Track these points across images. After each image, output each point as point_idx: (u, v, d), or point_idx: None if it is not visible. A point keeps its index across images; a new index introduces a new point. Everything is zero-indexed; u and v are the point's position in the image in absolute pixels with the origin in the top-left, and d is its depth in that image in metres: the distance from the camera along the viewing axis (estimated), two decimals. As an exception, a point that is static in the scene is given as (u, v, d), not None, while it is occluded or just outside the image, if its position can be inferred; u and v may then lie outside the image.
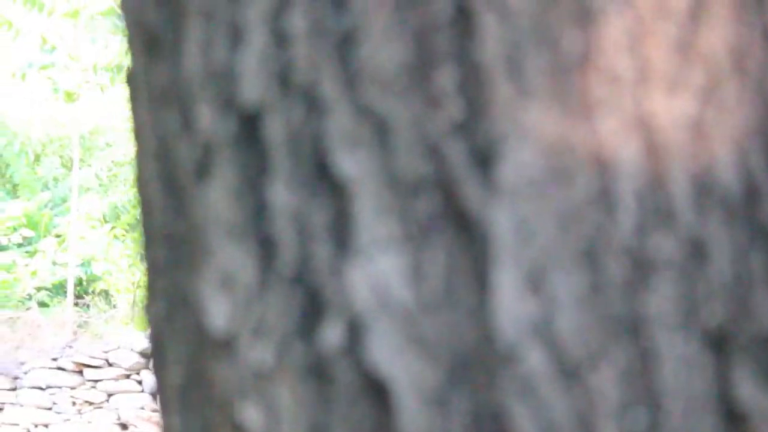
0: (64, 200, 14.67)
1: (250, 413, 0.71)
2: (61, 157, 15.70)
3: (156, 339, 0.81)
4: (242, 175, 0.72)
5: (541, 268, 0.65)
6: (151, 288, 0.81)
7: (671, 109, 0.66)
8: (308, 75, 0.70)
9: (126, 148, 15.57)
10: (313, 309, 0.69)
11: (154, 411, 11.04)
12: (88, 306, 13.38)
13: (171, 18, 0.76)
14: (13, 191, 14.77)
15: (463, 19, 0.67)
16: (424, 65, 0.68)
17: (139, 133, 0.81)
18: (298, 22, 0.70)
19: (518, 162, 0.66)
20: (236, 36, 0.72)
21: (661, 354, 0.65)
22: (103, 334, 12.02)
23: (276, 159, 0.71)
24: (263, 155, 0.71)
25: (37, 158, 15.64)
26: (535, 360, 0.64)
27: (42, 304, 12.76)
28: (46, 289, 13.04)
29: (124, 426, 11.32)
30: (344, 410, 0.68)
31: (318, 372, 0.69)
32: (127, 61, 0.85)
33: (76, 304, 12.88)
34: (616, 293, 0.65)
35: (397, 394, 0.66)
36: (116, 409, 11.33)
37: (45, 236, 13.59)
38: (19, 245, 13.22)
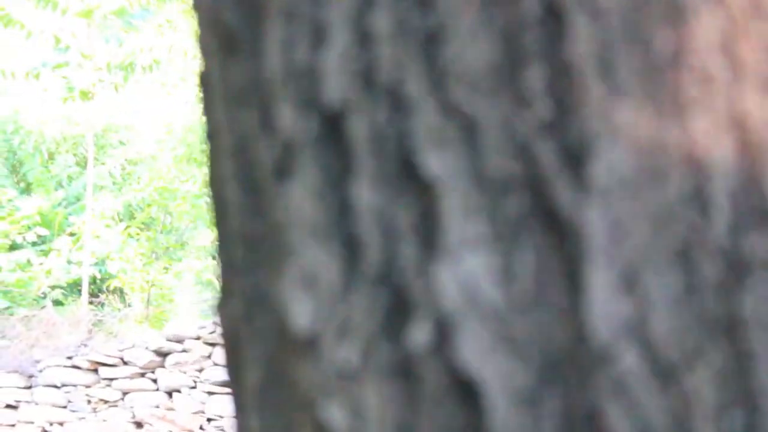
0: (78, 198, 14.69)
1: (335, 413, 0.71)
2: (74, 155, 15.73)
3: (232, 338, 0.81)
4: (325, 175, 0.72)
5: (634, 268, 0.65)
6: (226, 287, 0.81)
7: (765, 108, 0.66)
8: (393, 74, 0.70)
9: (139, 146, 15.60)
10: (399, 309, 0.69)
11: (169, 409, 11.06)
12: (102, 304, 13.40)
13: (250, 17, 0.76)
14: (27, 189, 14.80)
15: (552, 18, 0.67)
16: (512, 64, 0.68)
17: (213, 133, 0.81)
18: (382, 21, 0.70)
19: (610, 161, 0.65)
20: (319, 35, 0.72)
21: (757, 355, 0.65)
22: (118, 333, 12.03)
23: (360, 158, 0.71)
24: (347, 155, 0.71)
25: (51, 156, 15.67)
26: (629, 360, 0.64)
27: (57, 303, 12.77)
28: (61, 288, 13.06)
29: (139, 424, 11.32)
30: (431, 410, 0.68)
31: (404, 372, 0.69)
32: (198, 61, 0.85)
33: (90, 303, 12.90)
34: (711, 294, 0.65)
35: (487, 394, 0.66)
36: (131, 407, 11.34)
37: (59, 235, 13.61)
38: (34, 244, 13.24)
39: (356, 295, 0.71)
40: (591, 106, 0.66)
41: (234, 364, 0.81)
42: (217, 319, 0.84)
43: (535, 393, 0.66)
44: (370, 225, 0.70)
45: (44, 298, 12.71)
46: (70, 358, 11.51)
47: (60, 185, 14.97)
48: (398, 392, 0.69)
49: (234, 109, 0.78)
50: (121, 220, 13.53)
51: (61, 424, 11.46)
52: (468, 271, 0.67)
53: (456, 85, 0.68)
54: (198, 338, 11.18)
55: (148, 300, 13.20)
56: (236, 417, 0.82)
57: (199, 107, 0.85)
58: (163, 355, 11.28)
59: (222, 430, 10.97)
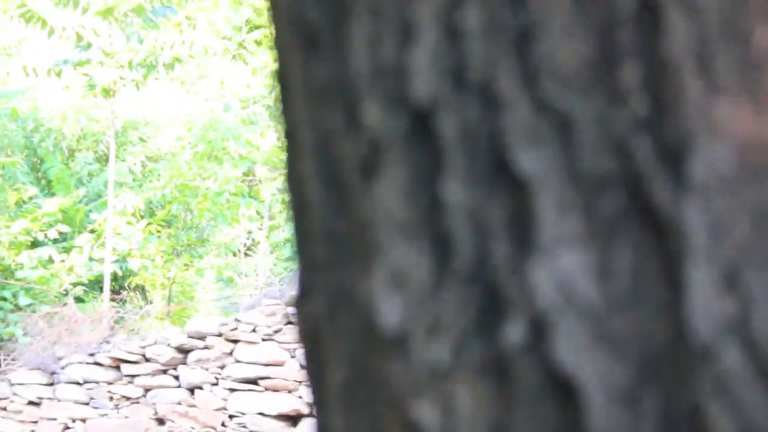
0: (98, 195, 14.72)
1: (426, 412, 0.71)
2: (94, 152, 15.76)
3: (313, 337, 0.80)
4: (414, 173, 0.72)
5: (735, 265, 0.64)
6: (306, 285, 0.81)
7: None
8: (484, 71, 0.69)
9: (159, 143, 15.62)
10: (492, 307, 0.69)
11: (191, 406, 11.08)
12: (124, 301, 13.42)
13: (333, 15, 0.76)
14: (48, 187, 14.83)
15: (648, 15, 0.67)
16: (607, 61, 0.67)
17: (293, 132, 0.81)
18: (472, 18, 0.70)
19: (709, 158, 0.65)
20: (407, 33, 0.72)
21: None
22: (139, 330, 12.06)
23: (450, 156, 0.70)
24: (436, 152, 0.71)
25: (71, 154, 15.70)
26: (731, 359, 0.64)
27: (78, 300, 12.80)
28: (83, 285, 13.08)
29: (161, 421, 11.35)
30: (526, 409, 0.68)
31: (498, 370, 0.69)
32: (274, 59, 0.85)
33: (112, 300, 12.93)
34: (814, 290, 0.64)
35: (585, 392, 0.66)
36: (153, 404, 11.37)
37: (80, 232, 13.64)
38: (55, 241, 13.27)
39: (447, 293, 0.70)
40: (688, 102, 0.65)
41: (315, 363, 0.81)
42: (296, 317, 0.84)
43: (634, 391, 0.65)
44: (461, 223, 0.70)
45: (66, 295, 12.73)
46: (92, 355, 11.55)
47: (80, 182, 14.99)
48: (491, 391, 0.69)
49: (316, 107, 0.77)
50: (141, 217, 13.54)
51: (83, 420, 11.49)
52: (564, 269, 0.67)
53: (549, 82, 0.68)
54: (219, 335, 11.20)
55: (169, 297, 13.22)
56: (317, 415, 0.82)
57: (276, 106, 0.84)
58: (184, 351, 11.31)
59: (244, 426, 10.99)
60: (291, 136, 0.81)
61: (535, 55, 0.68)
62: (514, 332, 0.68)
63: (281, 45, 0.82)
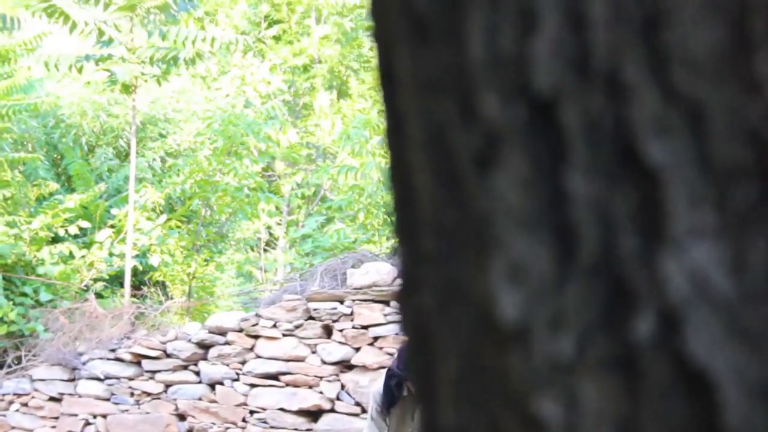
0: (118, 191, 14.74)
1: (548, 407, 0.70)
2: (114, 148, 15.78)
3: (421, 331, 0.79)
4: (534, 164, 0.70)
5: None
6: (413, 279, 0.80)
7: None
8: (609, 60, 0.68)
9: (179, 138, 15.63)
10: (619, 300, 0.68)
11: (212, 402, 11.08)
12: (144, 297, 13.44)
13: (447, 5, 0.74)
14: (68, 183, 14.87)
15: (783, 2, 0.65)
16: (740, 49, 0.66)
17: (400, 123, 0.80)
18: (597, 6, 0.68)
19: None
20: (527, 22, 0.70)
21: None
22: (160, 325, 12.07)
23: (573, 147, 0.69)
24: (558, 143, 0.70)
25: (91, 149, 15.73)
26: None
27: (99, 296, 12.81)
28: (103, 281, 13.10)
29: (181, 417, 11.36)
30: (656, 405, 0.67)
31: (626, 365, 0.68)
32: (377, 50, 0.84)
33: (133, 296, 12.94)
34: None
35: (720, 387, 0.64)
36: (174, 399, 11.38)
37: (100, 228, 13.66)
38: (75, 237, 13.30)
39: (570, 286, 0.69)
40: (827, 91, 0.64)
41: (423, 357, 0.79)
42: (401, 311, 0.83)
43: (770, 386, 0.64)
44: (586, 214, 0.69)
45: (87, 291, 12.75)
46: (113, 350, 11.56)
47: (100, 178, 15.02)
48: (618, 386, 0.68)
49: (426, 98, 0.76)
50: (161, 213, 13.55)
51: (104, 416, 11.51)
52: (696, 261, 0.66)
53: (679, 70, 0.67)
54: (240, 330, 11.20)
55: (189, 292, 13.23)
56: (423, 410, 0.81)
57: (379, 98, 0.83)
58: (205, 347, 11.31)
59: (264, 422, 10.99)
60: (397, 127, 0.80)
61: (664, 42, 0.67)
62: (643, 326, 0.67)
63: (386, 36, 0.81)
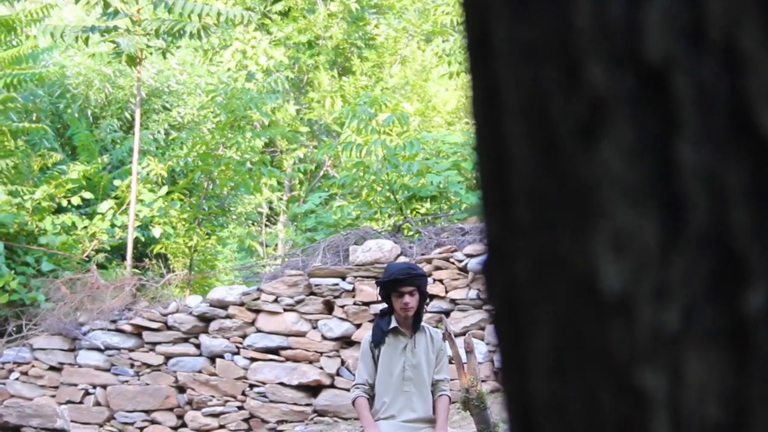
0: (122, 163, 14.71)
1: (651, 378, 0.69)
2: (119, 119, 15.75)
3: (511, 301, 0.78)
4: (641, 134, 0.70)
5: None
6: (506, 249, 0.79)
7: None
8: (724, 30, 0.67)
9: (183, 111, 15.59)
10: (728, 272, 0.67)
11: (212, 375, 11.10)
12: (146, 269, 13.44)
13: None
14: (73, 154, 14.84)
15: None
16: None
17: (495, 93, 0.79)
18: (712, -24, 0.68)
19: None
20: (639, -9, 0.69)
21: None
22: (161, 298, 12.07)
23: (684, 117, 0.68)
24: (668, 113, 0.69)
25: (96, 121, 15.70)
26: None
27: (100, 267, 12.81)
28: (105, 252, 13.10)
29: (181, 389, 11.39)
30: (766, 377, 0.66)
31: (734, 337, 0.67)
32: (468, 19, 0.83)
33: (134, 267, 12.94)
34: None
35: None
36: (174, 371, 11.40)
37: (103, 199, 13.65)
38: (78, 207, 13.28)
39: (677, 258, 0.69)
40: None
41: (513, 327, 0.79)
42: (486, 281, 0.82)
43: None
44: (696, 185, 0.68)
45: (88, 261, 12.75)
46: (113, 321, 11.58)
47: (104, 149, 14.99)
48: (725, 358, 0.67)
49: (527, 66, 0.75)
50: (164, 185, 13.52)
51: (104, 387, 11.53)
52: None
53: (797, 41, 0.66)
54: (242, 304, 11.22)
55: (190, 265, 13.22)
56: (510, 380, 0.80)
57: (473, 66, 0.82)
58: (206, 320, 11.33)
59: (264, 396, 11.01)
60: (491, 97, 0.79)
61: (782, 13, 0.66)
62: (756, 299, 0.66)
63: (481, 4, 0.80)
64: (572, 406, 0.73)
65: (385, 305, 6.16)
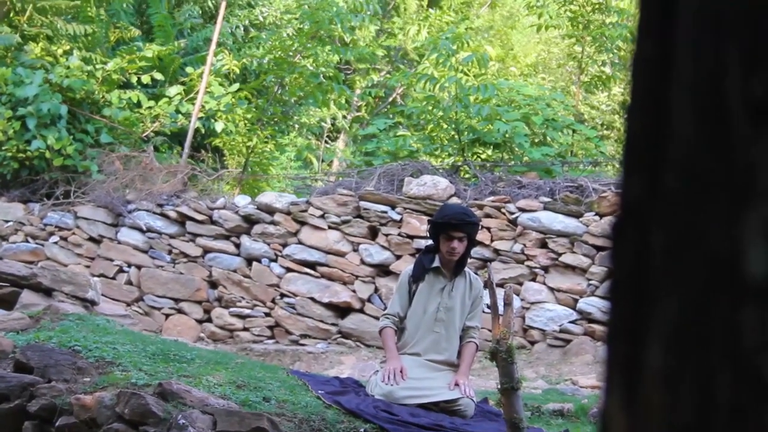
0: (196, 50, 14.70)
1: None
2: (200, 6, 15.71)
3: (640, 266, 0.77)
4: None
5: None
6: (646, 214, 0.77)
7: None
8: None
9: (267, 11, 15.51)
10: None
11: (246, 276, 11.17)
12: (201, 160, 13.48)
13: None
14: (149, 33, 14.84)
15: None
16: None
17: (670, 59, 0.76)
18: None
19: None
20: None
21: None
22: (211, 191, 12.13)
23: None
24: None
25: (179, 4, 15.68)
26: None
27: (157, 149, 12.86)
28: (165, 135, 13.14)
29: (213, 284, 11.48)
30: None
31: None
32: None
33: (190, 157, 12.98)
34: None
35: None
36: (210, 266, 11.48)
37: (172, 83, 13.66)
38: (146, 86, 13.30)
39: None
40: None
41: (636, 293, 0.77)
42: (616, 240, 0.80)
43: None
44: None
45: (147, 142, 12.80)
46: (160, 205, 11.66)
47: (181, 34, 14.98)
48: None
49: (710, 37, 0.73)
50: (234, 82, 13.52)
51: (138, 267, 11.64)
52: None
53: None
54: (288, 213, 11.25)
55: (245, 165, 13.25)
56: (622, 346, 0.78)
57: (639, 24, 0.79)
58: (250, 222, 11.39)
59: (293, 307, 11.07)
60: (664, 61, 0.76)
61: None
62: None
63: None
64: (686, 382, 0.72)
65: (431, 242, 6.15)
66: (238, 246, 11.50)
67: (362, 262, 11.03)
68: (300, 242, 11.25)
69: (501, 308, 4.29)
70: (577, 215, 10.09)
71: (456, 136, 12.42)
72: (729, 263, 0.69)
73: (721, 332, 0.70)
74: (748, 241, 0.68)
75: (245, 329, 11.29)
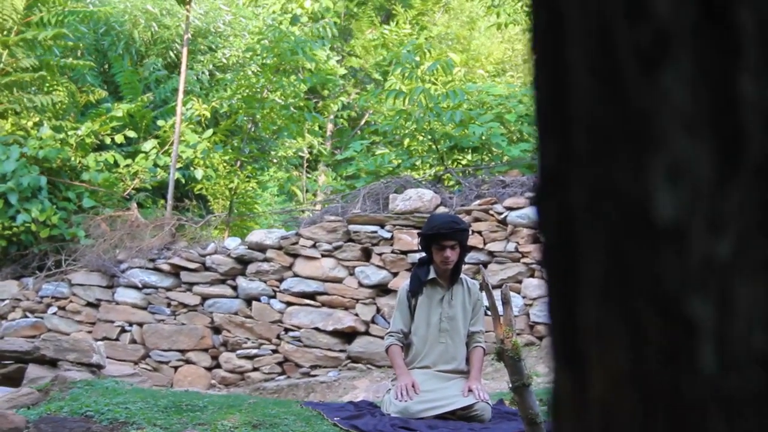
0: (165, 102, 14.72)
1: (700, 307, 0.70)
2: (163, 58, 15.75)
3: (564, 228, 0.79)
4: (703, 64, 0.70)
5: None
6: (559, 176, 0.80)
7: None
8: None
9: (228, 53, 15.58)
10: (782, 204, 0.68)
11: (247, 317, 11.16)
12: (186, 209, 13.49)
13: None
14: (116, 92, 14.86)
15: None
16: None
17: (558, 19, 0.79)
18: None
19: None
20: None
21: None
22: (200, 238, 12.13)
23: (747, 49, 0.69)
24: (730, 45, 0.69)
25: (141, 59, 15.71)
26: None
27: (141, 205, 12.88)
28: (146, 191, 13.15)
29: (217, 330, 11.46)
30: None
31: (786, 268, 0.68)
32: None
33: (175, 207, 12.99)
34: None
35: None
36: (210, 312, 11.47)
37: (146, 138, 13.68)
38: (121, 145, 13.33)
39: (732, 189, 0.69)
40: None
41: (565, 256, 0.79)
42: (540, 208, 0.83)
43: None
44: (755, 117, 0.68)
45: (129, 199, 12.82)
46: (152, 260, 11.65)
47: (148, 88, 15.01)
48: (775, 288, 0.68)
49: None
50: (207, 127, 13.54)
51: (140, 324, 11.62)
52: None
53: None
54: (280, 248, 11.25)
55: (230, 208, 13.27)
56: (559, 309, 0.81)
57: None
58: (244, 262, 11.38)
59: (298, 340, 11.06)
60: (553, 24, 0.79)
61: None
62: (809, 230, 0.67)
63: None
64: (618, 334, 0.74)
65: (423, 255, 6.16)
66: (235, 288, 11.49)
67: (360, 284, 11.03)
68: (295, 275, 11.25)
69: (500, 308, 4.31)
70: (565, 205, 10.08)
71: (433, 146, 12.45)
72: (641, 210, 0.72)
73: (644, 280, 0.72)
74: (655, 185, 0.71)
75: (255, 369, 11.27)
